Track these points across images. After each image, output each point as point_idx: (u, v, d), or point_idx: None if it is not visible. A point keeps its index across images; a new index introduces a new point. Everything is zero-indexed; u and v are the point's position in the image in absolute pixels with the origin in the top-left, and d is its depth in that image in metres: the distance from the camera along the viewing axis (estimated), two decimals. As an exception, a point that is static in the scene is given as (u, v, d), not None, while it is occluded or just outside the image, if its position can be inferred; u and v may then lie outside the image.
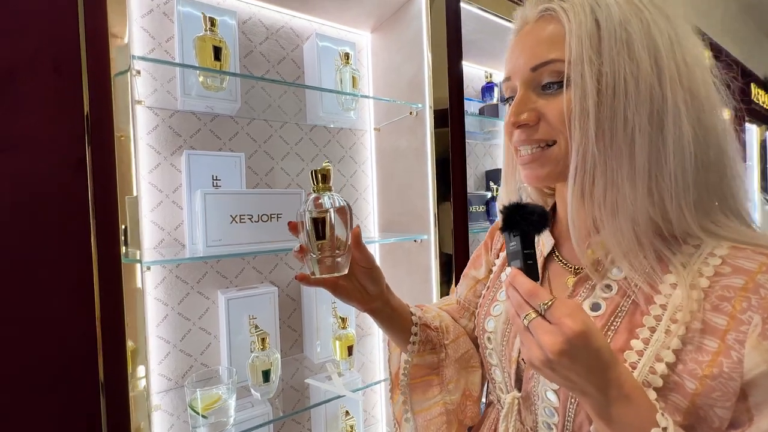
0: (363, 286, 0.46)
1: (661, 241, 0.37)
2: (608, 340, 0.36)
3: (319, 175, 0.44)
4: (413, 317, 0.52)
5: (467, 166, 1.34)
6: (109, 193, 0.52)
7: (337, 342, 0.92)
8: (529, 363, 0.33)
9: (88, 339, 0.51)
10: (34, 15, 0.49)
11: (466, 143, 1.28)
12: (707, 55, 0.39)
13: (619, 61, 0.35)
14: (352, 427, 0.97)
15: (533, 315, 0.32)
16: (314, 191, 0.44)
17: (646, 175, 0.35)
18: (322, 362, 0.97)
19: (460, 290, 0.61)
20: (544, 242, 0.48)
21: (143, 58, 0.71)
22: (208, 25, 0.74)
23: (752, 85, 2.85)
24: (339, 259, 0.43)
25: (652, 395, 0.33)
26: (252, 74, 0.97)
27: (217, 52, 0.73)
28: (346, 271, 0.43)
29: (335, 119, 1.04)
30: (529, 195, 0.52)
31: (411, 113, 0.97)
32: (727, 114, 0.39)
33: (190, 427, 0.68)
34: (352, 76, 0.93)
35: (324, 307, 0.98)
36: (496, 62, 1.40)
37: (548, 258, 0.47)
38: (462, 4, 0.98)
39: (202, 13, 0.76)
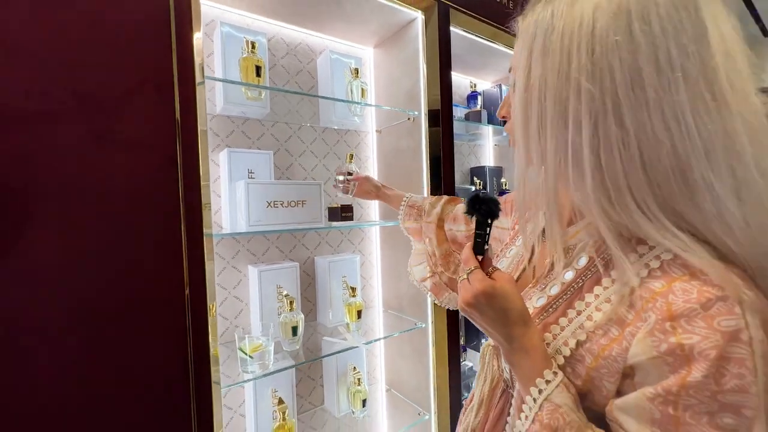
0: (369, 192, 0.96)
1: (621, 238, 0.38)
2: (549, 315, 0.44)
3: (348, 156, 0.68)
4: (404, 199, 0.96)
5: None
6: (193, 181, 0.70)
7: (347, 308, 1.12)
8: (458, 307, 0.45)
9: (180, 291, 0.69)
10: (143, 52, 0.66)
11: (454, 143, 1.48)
12: (657, 46, 0.34)
13: (541, 58, 0.38)
14: (359, 380, 1.17)
15: (464, 276, 0.43)
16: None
17: (597, 179, 0.36)
18: (335, 326, 1.16)
19: None
20: (540, 221, 0.51)
21: (213, 78, 0.88)
22: (250, 48, 0.92)
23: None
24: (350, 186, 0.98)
25: (560, 361, 0.40)
26: (276, 83, 1.15)
27: (258, 70, 0.91)
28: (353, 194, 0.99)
29: (343, 122, 1.23)
30: None
31: (409, 119, 1.16)
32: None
33: (239, 364, 0.87)
34: (361, 88, 1.12)
35: (335, 281, 1.17)
36: (479, 74, 1.61)
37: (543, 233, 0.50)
38: (451, 28, 1.18)
39: (245, 38, 0.93)
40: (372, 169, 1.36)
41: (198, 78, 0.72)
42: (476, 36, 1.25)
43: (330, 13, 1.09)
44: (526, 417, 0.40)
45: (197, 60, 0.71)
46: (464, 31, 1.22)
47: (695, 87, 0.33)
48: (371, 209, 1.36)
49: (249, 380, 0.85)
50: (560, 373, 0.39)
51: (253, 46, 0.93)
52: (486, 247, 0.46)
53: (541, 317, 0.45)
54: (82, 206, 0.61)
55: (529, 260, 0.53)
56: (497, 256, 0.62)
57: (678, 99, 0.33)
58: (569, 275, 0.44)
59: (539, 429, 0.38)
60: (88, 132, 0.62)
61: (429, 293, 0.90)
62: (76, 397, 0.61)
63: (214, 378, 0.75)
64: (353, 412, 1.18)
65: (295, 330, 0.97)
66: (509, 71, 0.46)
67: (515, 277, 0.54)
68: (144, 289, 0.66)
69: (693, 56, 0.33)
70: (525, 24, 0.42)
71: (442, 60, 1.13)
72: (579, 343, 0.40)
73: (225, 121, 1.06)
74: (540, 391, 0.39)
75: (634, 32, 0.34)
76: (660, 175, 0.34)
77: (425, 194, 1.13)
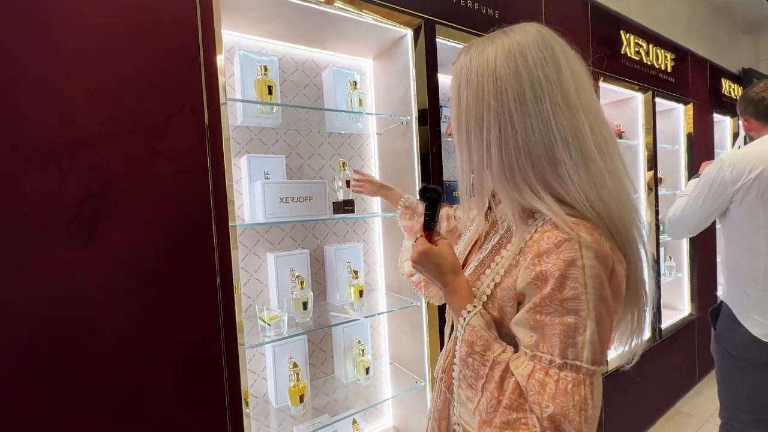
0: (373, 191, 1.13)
1: (524, 211, 0.54)
2: (482, 267, 0.59)
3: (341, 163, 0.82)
4: (401, 200, 1.10)
5: (452, 159, 1.71)
6: (220, 182, 0.90)
7: (351, 288, 1.30)
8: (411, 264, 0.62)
9: (212, 271, 0.89)
10: (180, 81, 0.85)
11: (451, 141, 1.63)
12: (531, 75, 0.51)
13: (463, 89, 0.56)
14: (363, 350, 1.34)
15: (412, 242, 0.63)
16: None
17: (486, 156, 0.54)
18: (341, 304, 1.34)
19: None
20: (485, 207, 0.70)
21: (234, 99, 1.07)
22: (263, 71, 1.11)
23: (723, 80, 3.11)
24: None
25: (484, 299, 0.56)
26: (287, 97, 1.33)
27: (270, 89, 1.10)
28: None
29: (346, 128, 1.40)
30: None
31: (402, 123, 1.32)
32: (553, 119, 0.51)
33: (260, 331, 1.06)
34: (359, 98, 1.29)
35: (341, 266, 1.35)
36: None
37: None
38: (440, 40, 1.33)
39: (259, 62, 1.12)
40: (374, 168, 1.53)
41: (222, 99, 0.91)
42: (461, 44, 1.39)
43: (331, 34, 1.26)
44: (459, 340, 0.56)
45: (221, 83, 0.90)
46: (453, 42, 1.36)
47: (554, 99, 0.51)
48: (374, 203, 1.53)
49: (267, 343, 1.04)
50: (478, 306, 0.55)
51: (266, 69, 1.11)
52: (433, 223, 0.63)
53: (478, 270, 0.61)
54: (139, 205, 0.81)
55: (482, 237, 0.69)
56: (460, 236, 0.79)
57: (545, 108, 0.51)
58: (495, 239, 0.62)
59: (462, 343, 0.55)
60: (142, 147, 0.82)
61: (415, 287, 0.96)
62: (135, 348, 0.81)
63: (239, 341, 0.94)
64: (359, 380, 1.36)
65: (305, 305, 1.16)
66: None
67: (468, 249, 0.70)
68: (184, 269, 0.86)
69: (553, 80, 0.52)
70: (454, 68, 0.60)
71: (429, 69, 1.28)
72: (496, 285, 0.55)
73: (245, 131, 1.26)
74: (464, 319, 0.55)
75: (518, 66, 0.53)
76: (538, 159, 0.51)
77: (416, 188, 1.28)
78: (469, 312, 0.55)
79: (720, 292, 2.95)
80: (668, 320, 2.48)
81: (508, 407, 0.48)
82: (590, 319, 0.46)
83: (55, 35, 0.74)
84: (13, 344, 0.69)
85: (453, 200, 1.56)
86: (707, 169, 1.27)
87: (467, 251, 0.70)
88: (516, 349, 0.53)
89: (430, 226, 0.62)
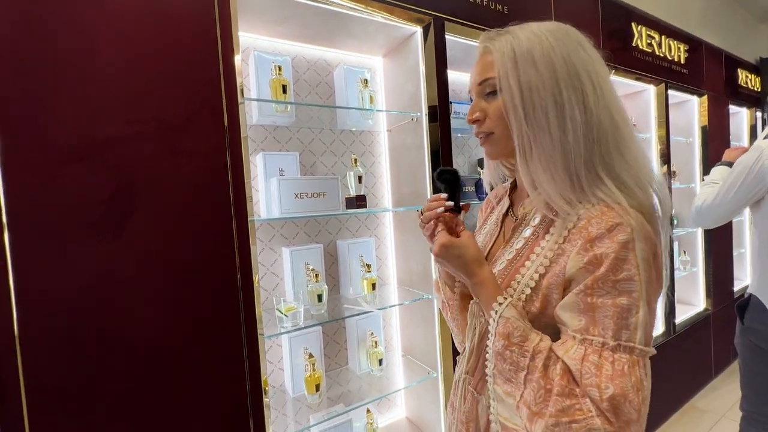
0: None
1: (578, 192, 0.52)
2: (518, 261, 0.57)
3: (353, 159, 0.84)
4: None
5: (462, 155, 1.73)
6: (239, 179, 0.93)
7: (364, 281, 1.33)
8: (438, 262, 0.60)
9: (232, 263, 0.93)
10: (201, 82, 0.89)
11: (461, 137, 1.65)
12: (593, 62, 0.53)
13: (529, 71, 0.52)
14: (375, 342, 1.38)
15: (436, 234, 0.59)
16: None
17: (558, 140, 0.51)
18: (354, 297, 1.38)
19: None
20: (504, 204, 0.70)
21: (250, 99, 1.11)
22: (277, 71, 1.14)
23: (739, 71, 3.05)
24: None
25: (528, 292, 0.53)
26: (300, 96, 1.37)
27: (284, 88, 1.13)
28: None
29: (357, 125, 1.43)
30: (503, 171, 0.72)
31: (412, 119, 1.35)
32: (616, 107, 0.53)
33: (277, 322, 1.10)
34: (370, 96, 1.32)
35: (354, 261, 1.38)
36: (482, 72, 1.75)
37: (506, 214, 0.69)
38: (449, 36, 1.34)
39: (273, 62, 1.16)
40: (384, 164, 1.56)
41: (239, 99, 0.94)
42: (474, 41, 1.40)
43: (341, 33, 1.29)
44: (491, 334, 0.53)
45: (239, 83, 0.94)
46: (462, 38, 1.38)
47: (608, 82, 0.54)
48: (385, 198, 1.56)
49: (284, 333, 1.08)
50: (508, 297, 0.54)
51: (280, 69, 1.15)
52: (455, 206, 0.62)
53: (515, 263, 0.58)
54: (164, 201, 0.86)
55: (498, 233, 0.68)
56: (477, 232, 0.78)
57: (608, 89, 0.53)
58: (527, 232, 0.60)
59: (497, 337, 0.52)
60: (166, 146, 0.86)
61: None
62: (161, 337, 0.85)
63: (259, 331, 0.98)
64: (372, 371, 1.39)
65: (320, 297, 1.19)
66: (478, 85, 0.58)
67: (490, 244, 0.68)
68: (206, 263, 0.90)
69: (604, 70, 0.54)
70: (499, 45, 0.55)
71: (439, 65, 1.30)
72: (541, 276, 0.53)
73: (260, 130, 1.30)
74: (496, 312, 0.53)
75: (578, 49, 0.54)
76: (605, 142, 0.52)
77: (427, 183, 1.31)
78: (500, 304, 0.53)
79: (737, 287, 2.91)
80: (682, 315, 2.45)
81: (560, 394, 0.46)
82: (643, 301, 0.46)
83: (86, 43, 0.78)
84: (49, 332, 0.74)
85: (464, 195, 1.58)
86: (743, 157, 1.25)
87: (489, 246, 0.68)
88: (554, 340, 0.52)
89: (458, 209, 0.63)
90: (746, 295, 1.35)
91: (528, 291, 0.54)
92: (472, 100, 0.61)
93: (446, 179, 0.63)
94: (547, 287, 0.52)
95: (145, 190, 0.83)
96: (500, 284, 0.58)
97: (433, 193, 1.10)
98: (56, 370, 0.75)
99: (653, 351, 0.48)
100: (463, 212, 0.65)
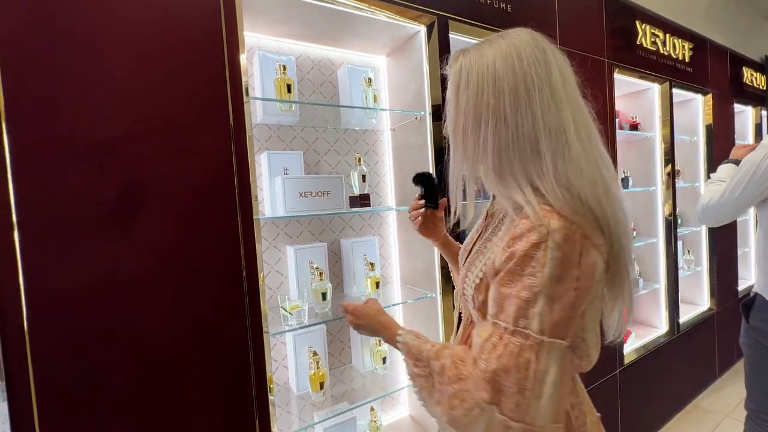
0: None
1: (514, 204, 0.57)
2: (478, 254, 0.62)
3: (356, 158, 0.85)
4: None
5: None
6: (244, 178, 0.94)
7: (368, 280, 1.33)
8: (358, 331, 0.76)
9: (238, 261, 0.94)
10: (206, 82, 0.90)
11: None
12: (525, 74, 0.56)
13: (455, 96, 0.61)
14: (379, 341, 1.38)
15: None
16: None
17: (496, 158, 0.57)
18: (358, 296, 1.38)
19: None
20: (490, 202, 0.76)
21: (255, 98, 1.12)
22: (282, 70, 1.15)
23: (744, 69, 3.03)
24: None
25: (477, 281, 0.60)
26: (303, 95, 1.38)
27: (289, 88, 1.14)
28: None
29: (361, 124, 1.43)
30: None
31: (416, 118, 1.35)
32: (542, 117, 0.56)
33: (282, 320, 1.11)
34: (374, 95, 1.32)
35: (358, 259, 1.39)
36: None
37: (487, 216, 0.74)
38: (453, 35, 1.35)
39: (277, 62, 1.16)
40: (388, 163, 1.56)
41: (245, 98, 0.95)
42: (477, 40, 1.40)
43: (345, 32, 1.29)
44: (405, 360, 0.64)
45: (244, 82, 0.95)
46: (466, 37, 1.38)
47: (544, 96, 0.55)
48: (389, 197, 1.56)
49: (289, 331, 1.09)
50: (405, 334, 0.66)
51: (284, 68, 1.15)
52: (431, 205, 0.79)
53: (474, 258, 0.65)
54: (170, 200, 0.86)
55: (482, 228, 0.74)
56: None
57: (535, 103, 0.55)
58: (491, 229, 0.65)
59: (406, 356, 0.64)
60: (172, 144, 0.87)
61: None
62: (168, 334, 0.86)
63: (264, 329, 0.99)
64: (375, 369, 1.40)
65: (324, 295, 1.20)
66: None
67: (473, 239, 0.72)
68: (213, 261, 0.91)
69: (544, 78, 0.56)
70: (452, 71, 0.62)
71: (443, 64, 1.30)
72: (484, 272, 0.59)
73: (264, 129, 1.31)
74: (400, 343, 0.65)
75: (515, 66, 0.56)
76: (523, 153, 0.55)
77: (431, 183, 1.31)
78: (400, 335, 0.66)
79: (741, 287, 2.89)
80: (686, 315, 2.44)
81: (451, 381, 0.54)
82: (543, 295, 0.50)
83: (93, 44, 0.79)
84: (58, 329, 0.75)
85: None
86: (751, 155, 1.24)
87: (473, 241, 0.72)
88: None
89: (435, 204, 0.77)
90: (752, 294, 1.34)
91: (476, 283, 0.60)
92: None
93: (420, 181, 0.75)
94: (488, 279, 0.58)
95: (151, 189, 0.84)
96: (462, 275, 0.65)
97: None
98: (65, 367, 0.76)
99: (560, 343, 0.51)
100: (441, 208, 0.81)
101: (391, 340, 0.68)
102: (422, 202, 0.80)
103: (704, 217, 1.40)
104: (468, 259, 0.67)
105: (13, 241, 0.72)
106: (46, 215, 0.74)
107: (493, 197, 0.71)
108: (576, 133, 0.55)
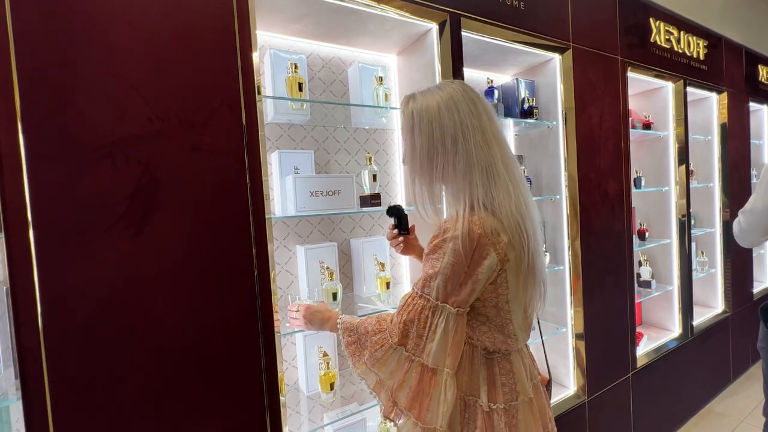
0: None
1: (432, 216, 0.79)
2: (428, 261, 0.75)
3: (367, 158, 0.84)
4: None
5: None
6: (256, 176, 0.93)
7: (378, 280, 1.32)
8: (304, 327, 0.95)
9: (249, 259, 0.93)
10: (220, 81, 0.90)
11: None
12: (462, 123, 0.73)
13: (411, 135, 0.77)
14: (390, 341, 1.37)
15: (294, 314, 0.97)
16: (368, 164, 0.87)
17: (443, 183, 0.76)
18: (368, 296, 1.37)
19: None
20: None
21: (267, 96, 1.11)
22: (293, 69, 1.14)
23: (760, 67, 2.97)
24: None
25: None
26: (314, 94, 1.37)
27: (300, 86, 1.13)
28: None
29: (371, 123, 1.42)
30: None
31: (427, 117, 1.33)
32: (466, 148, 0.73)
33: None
34: (385, 93, 1.31)
35: (368, 259, 1.38)
36: (498, 68, 1.73)
37: None
38: (465, 33, 1.33)
39: (289, 60, 1.16)
40: (398, 162, 1.55)
41: (257, 97, 0.94)
42: (486, 37, 1.39)
43: (356, 30, 1.28)
44: (341, 337, 0.84)
45: (256, 81, 0.94)
46: (478, 35, 1.36)
47: (476, 138, 0.72)
48: (399, 197, 1.55)
49: (299, 331, 1.08)
50: (342, 323, 0.85)
51: (296, 67, 1.14)
52: (404, 231, 1.00)
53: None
54: (184, 198, 0.86)
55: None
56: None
57: (470, 145, 0.72)
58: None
59: (342, 334, 0.83)
60: (186, 143, 0.86)
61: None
62: (181, 332, 0.86)
63: (275, 328, 0.98)
64: (386, 370, 1.38)
65: (335, 295, 1.19)
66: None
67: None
68: (225, 259, 0.91)
69: (476, 125, 0.73)
70: (405, 114, 0.78)
71: (455, 62, 1.28)
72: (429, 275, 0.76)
73: (275, 128, 1.30)
74: (340, 324, 0.85)
75: (454, 117, 0.73)
76: (462, 180, 0.72)
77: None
78: (340, 318, 0.86)
79: (756, 289, 2.83)
80: (700, 317, 2.40)
81: (375, 333, 0.77)
82: (440, 274, 0.70)
83: (108, 43, 0.79)
84: (72, 327, 0.75)
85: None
86: None
87: None
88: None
89: (406, 230, 0.98)
90: None
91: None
92: None
93: (393, 213, 0.97)
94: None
95: (165, 188, 0.84)
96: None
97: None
98: (78, 364, 0.76)
99: (446, 306, 0.70)
100: (412, 232, 1.02)
101: (334, 328, 0.87)
102: (396, 231, 1.00)
103: (741, 234, 1.30)
104: None
105: (28, 240, 0.72)
106: (60, 214, 0.74)
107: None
108: (503, 164, 0.73)
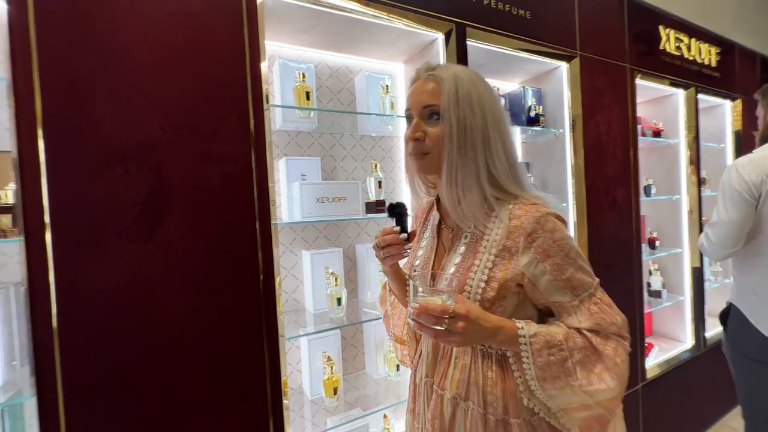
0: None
1: (488, 206, 0.67)
2: (465, 262, 0.67)
3: (373, 164, 0.85)
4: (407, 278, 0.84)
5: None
6: (263, 183, 0.96)
7: (383, 286, 1.33)
8: (455, 344, 0.62)
9: (255, 264, 0.95)
10: (229, 90, 0.93)
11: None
12: (501, 105, 0.70)
13: (467, 111, 0.65)
14: (393, 347, 1.37)
15: (446, 323, 0.56)
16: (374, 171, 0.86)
17: (484, 168, 0.66)
18: (372, 302, 1.38)
19: None
20: (434, 217, 0.79)
21: (275, 105, 1.14)
22: (301, 78, 1.17)
23: (775, 74, 2.91)
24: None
25: (482, 284, 0.64)
26: (322, 102, 1.40)
27: (308, 95, 1.16)
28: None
29: (378, 131, 1.44)
30: (420, 187, 0.79)
31: (433, 125, 1.35)
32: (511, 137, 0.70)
33: (297, 323, 1.12)
34: (391, 102, 1.33)
35: (373, 265, 1.39)
36: (504, 77, 1.74)
37: (439, 225, 0.78)
38: (471, 42, 1.35)
39: (297, 70, 1.19)
40: (403, 169, 1.56)
41: (265, 106, 0.97)
42: (490, 46, 1.40)
43: (364, 40, 1.31)
44: (527, 357, 0.61)
45: (265, 90, 0.97)
46: (484, 44, 1.37)
47: (503, 127, 0.69)
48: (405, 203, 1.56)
49: (304, 335, 1.10)
50: (520, 321, 0.63)
51: (304, 77, 1.17)
52: (405, 234, 0.73)
53: (463, 265, 0.68)
54: (193, 204, 0.89)
55: (437, 242, 0.77)
56: (416, 242, 0.83)
57: (509, 125, 0.70)
58: (467, 238, 0.71)
59: (538, 352, 0.61)
60: (196, 150, 0.89)
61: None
62: (188, 334, 0.88)
63: (280, 333, 1.00)
64: (389, 376, 1.39)
65: (339, 300, 1.20)
66: (423, 107, 0.68)
67: (432, 257, 0.76)
68: (231, 264, 0.93)
69: (502, 113, 0.69)
70: (446, 79, 0.66)
71: (461, 72, 1.30)
72: (490, 269, 0.65)
73: (283, 135, 1.33)
74: (524, 336, 0.61)
75: (497, 101, 0.69)
76: (514, 161, 0.69)
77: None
78: (522, 328, 0.62)
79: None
80: (713, 329, 2.34)
81: (601, 345, 0.63)
82: (579, 257, 0.66)
83: (123, 53, 0.82)
84: (87, 325, 0.78)
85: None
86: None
87: (433, 255, 0.76)
88: (516, 310, 0.67)
89: (406, 231, 0.74)
90: (726, 304, 1.39)
91: (483, 284, 0.65)
92: (410, 118, 0.71)
93: (397, 213, 0.74)
94: (504, 278, 0.64)
95: (175, 193, 0.87)
96: (459, 281, 0.67)
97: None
98: (91, 364, 0.78)
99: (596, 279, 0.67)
100: (413, 239, 0.75)
101: (511, 338, 0.61)
102: (403, 235, 0.73)
103: (710, 248, 1.37)
104: (451, 269, 0.69)
105: (45, 242, 0.75)
106: (76, 217, 0.78)
107: (441, 218, 0.77)
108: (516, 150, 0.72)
